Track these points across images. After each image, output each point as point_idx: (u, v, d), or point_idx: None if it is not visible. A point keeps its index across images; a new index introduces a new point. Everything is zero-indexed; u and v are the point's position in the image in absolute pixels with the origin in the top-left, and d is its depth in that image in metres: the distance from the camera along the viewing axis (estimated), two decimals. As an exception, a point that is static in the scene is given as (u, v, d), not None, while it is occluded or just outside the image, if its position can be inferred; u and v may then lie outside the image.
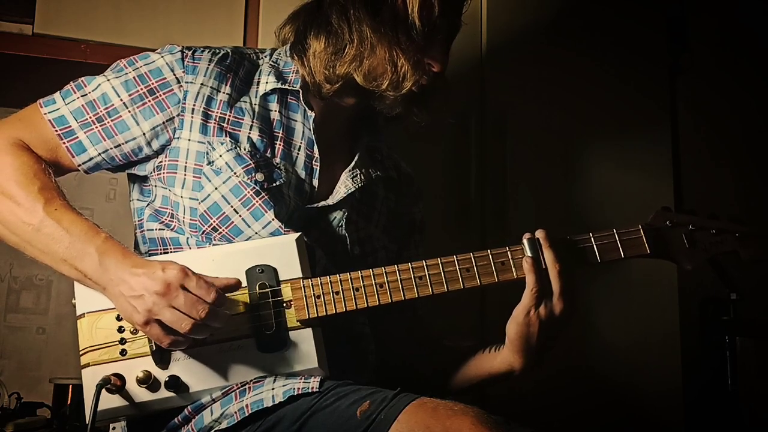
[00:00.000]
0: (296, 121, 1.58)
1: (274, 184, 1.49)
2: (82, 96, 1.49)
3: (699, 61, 2.74)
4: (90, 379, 1.33)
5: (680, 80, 2.71)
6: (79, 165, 1.50)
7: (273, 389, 1.33)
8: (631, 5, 2.50)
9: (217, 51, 1.56)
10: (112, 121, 1.48)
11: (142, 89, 1.49)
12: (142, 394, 1.34)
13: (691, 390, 2.38)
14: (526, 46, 2.37)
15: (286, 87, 1.56)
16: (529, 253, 1.45)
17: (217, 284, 1.33)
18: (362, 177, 1.62)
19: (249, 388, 1.35)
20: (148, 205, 1.55)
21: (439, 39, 1.54)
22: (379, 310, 1.45)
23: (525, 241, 1.46)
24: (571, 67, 2.40)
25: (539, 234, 1.47)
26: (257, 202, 1.46)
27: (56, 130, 1.47)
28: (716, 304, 2.49)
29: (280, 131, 1.56)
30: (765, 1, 2.80)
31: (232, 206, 1.46)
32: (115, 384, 1.31)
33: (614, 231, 1.50)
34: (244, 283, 1.40)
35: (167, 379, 1.34)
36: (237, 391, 1.36)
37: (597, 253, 1.49)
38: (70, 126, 1.48)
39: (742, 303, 2.39)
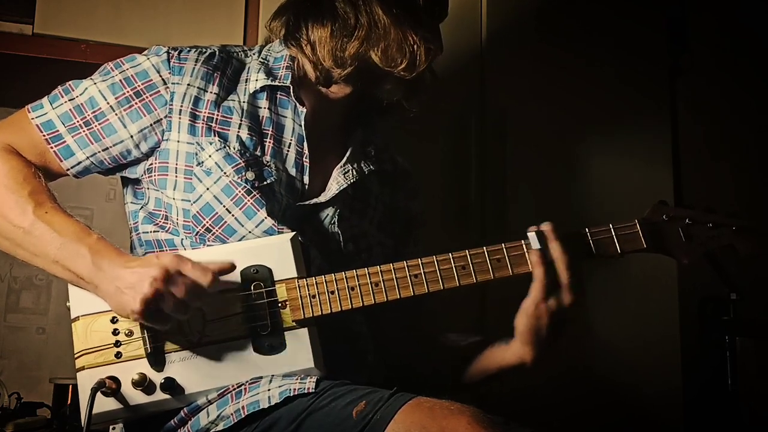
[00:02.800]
0: (286, 117, 1.57)
1: (265, 182, 1.49)
2: (69, 100, 1.49)
3: (699, 62, 2.74)
4: (86, 382, 1.33)
5: (680, 80, 2.71)
6: (68, 169, 1.50)
7: (269, 390, 1.33)
8: (631, 5, 2.49)
9: (204, 50, 1.56)
10: (99, 124, 1.48)
11: (128, 92, 1.49)
12: (137, 397, 1.33)
13: (691, 390, 2.38)
14: (525, 46, 2.37)
15: (276, 83, 1.56)
16: (535, 246, 1.45)
17: (212, 268, 1.33)
18: (354, 173, 1.61)
19: (245, 389, 1.35)
20: (141, 207, 1.55)
21: (435, 24, 1.58)
22: (376, 309, 1.45)
23: (531, 234, 1.46)
24: (571, 67, 2.40)
25: (545, 227, 1.47)
26: (249, 200, 1.46)
27: (44, 135, 1.47)
28: (716, 304, 2.49)
29: (270, 128, 1.55)
30: (765, 1, 2.80)
31: (224, 206, 1.46)
32: (110, 387, 1.31)
33: (610, 226, 1.50)
34: (240, 283, 1.40)
35: (163, 381, 1.33)
36: (233, 392, 1.36)
37: (593, 248, 1.49)
38: (58, 130, 1.48)
39: (742, 303, 2.38)
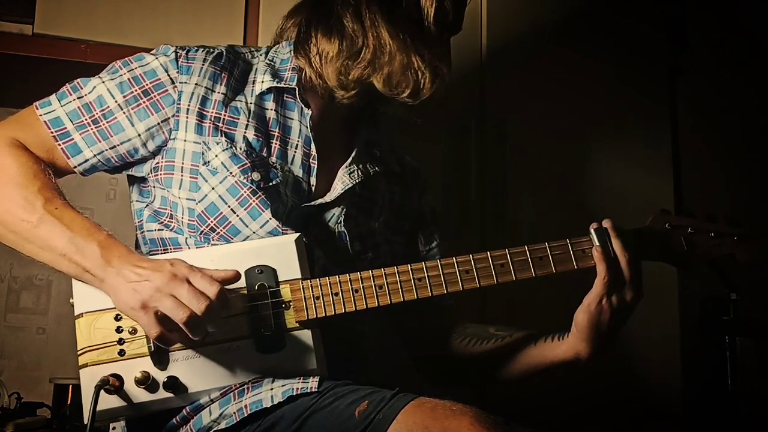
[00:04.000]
0: (293, 119, 1.58)
1: (271, 184, 1.49)
2: (78, 98, 1.49)
3: (699, 62, 2.74)
4: (88, 379, 1.32)
5: (680, 80, 2.71)
6: (75, 167, 1.50)
7: (272, 389, 1.33)
8: (631, 5, 2.50)
9: (212, 50, 1.56)
10: (107, 122, 1.48)
11: (136, 90, 1.49)
12: (140, 395, 1.33)
13: (691, 390, 2.38)
14: (526, 47, 2.37)
15: (283, 85, 1.56)
16: (597, 243, 1.47)
17: (216, 276, 1.32)
18: (360, 173, 1.61)
19: (248, 388, 1.35)
20: (147, 206, 1.56)
21: (446, 41, 1.56)
22: (382, 311, 1.45)
23: (592, 231, 1.48)
24: (571, 67, 2.40)
25: (606, 224, 1.49)
26: (254, 201, 1.46)
27: (52, 132, 1.47)
28: (716, 304, 2.49)
29: (277, 130, 1.55)
30: (765, 1, 2.80)
31: (229, 206, 1.46)
32: (113, 385, 1.31)
33: None
34: (244, 284, 1.40)
35: (166, 379, 1.33)
36: (236, 391, 1.36)
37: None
38: (66, 128, 1.48)
39: (742, 303, 2.38)
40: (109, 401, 1.32)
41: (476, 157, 2.27)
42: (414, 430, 1.19)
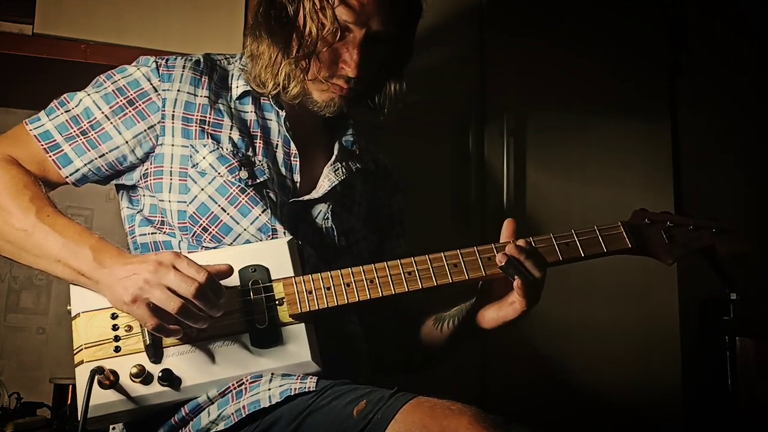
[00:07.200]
0: (271, 120, 1.63)
1: (258, 181, 1.53)
2: (65, 112, 1.55)
3: (699, 61, 2.74)
4: (84, 376, 1.31)
5: (680, 80, 2.71)
6: (67, 177, 1.54)
7: (270, 389, 1.33)
8: (631, 5, 2.50)
9: (190, 57, 1.62)
10: (95, 133, 1.54)
11: (122, 101, 1.55)
12: (136, 388, 1.32)
13: (691, 390, 2.38)
14: (525, 47, 2.37)
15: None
16: (515, 276, 1.43)
17: (209, 269, 1.33)
18: (344, 170, 1.65)
19: (246, 388, 1.35)
20: (138, 212, 1.59)
21: (350, 43, 1.54)
22: (370, 306, 1.46)
23: (505, 264, 1.44)
24: (570, 67, 2.40)
25: (512, 251, 1.45)
26: (243, 198, 1.49)
27: (42, 145, 1.52)
28: (716, 305, 2.50)
29: (258, 131, 1.60)
30: (765, 1, 2.80)
31: (219, 205, 1.49)
32: (108, 377, 1.30)
33: (595, 227, 1.53)
34: (237, 281, 1.41)
35: (161, 373, 1.33)
36: (234, 391, 1.36)
37: (580, 248, 1.51)
38: (56, 140, 1.53)
39: (742, 303, 2.39)
40: (104, 396, 1.31)
41: (476, 157, 2.27)
42: (413, 430, 1.19)
